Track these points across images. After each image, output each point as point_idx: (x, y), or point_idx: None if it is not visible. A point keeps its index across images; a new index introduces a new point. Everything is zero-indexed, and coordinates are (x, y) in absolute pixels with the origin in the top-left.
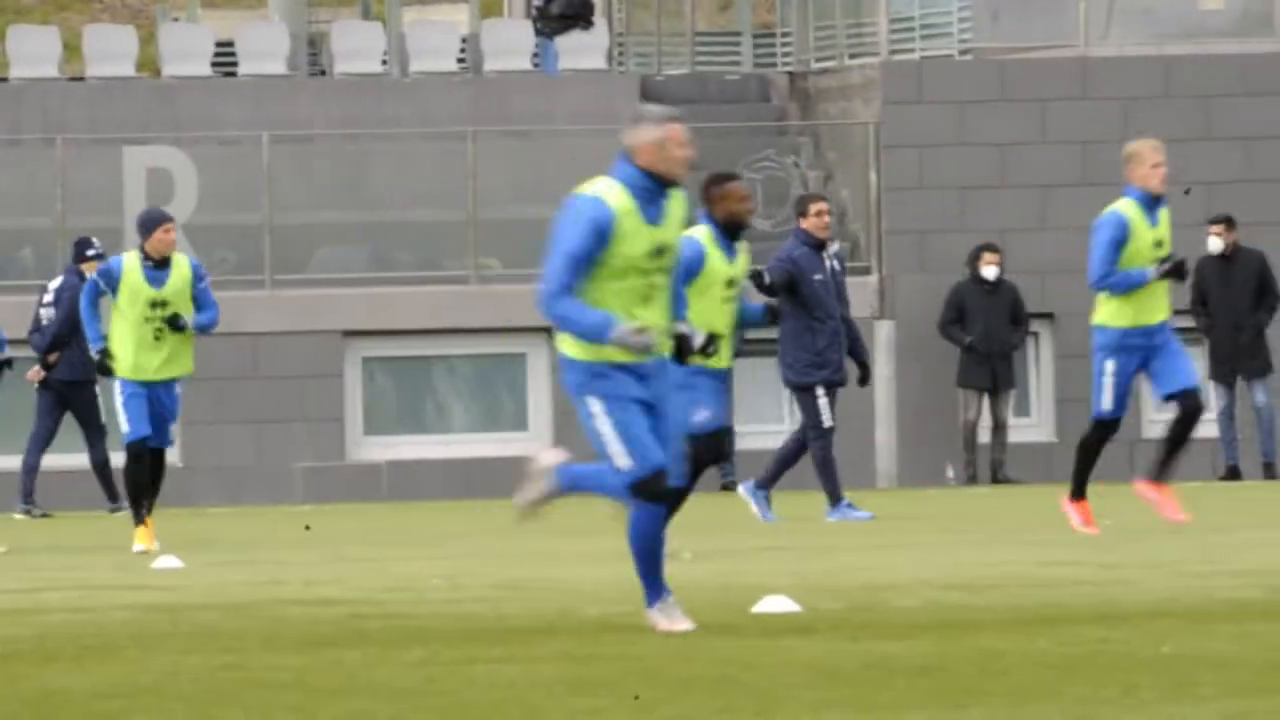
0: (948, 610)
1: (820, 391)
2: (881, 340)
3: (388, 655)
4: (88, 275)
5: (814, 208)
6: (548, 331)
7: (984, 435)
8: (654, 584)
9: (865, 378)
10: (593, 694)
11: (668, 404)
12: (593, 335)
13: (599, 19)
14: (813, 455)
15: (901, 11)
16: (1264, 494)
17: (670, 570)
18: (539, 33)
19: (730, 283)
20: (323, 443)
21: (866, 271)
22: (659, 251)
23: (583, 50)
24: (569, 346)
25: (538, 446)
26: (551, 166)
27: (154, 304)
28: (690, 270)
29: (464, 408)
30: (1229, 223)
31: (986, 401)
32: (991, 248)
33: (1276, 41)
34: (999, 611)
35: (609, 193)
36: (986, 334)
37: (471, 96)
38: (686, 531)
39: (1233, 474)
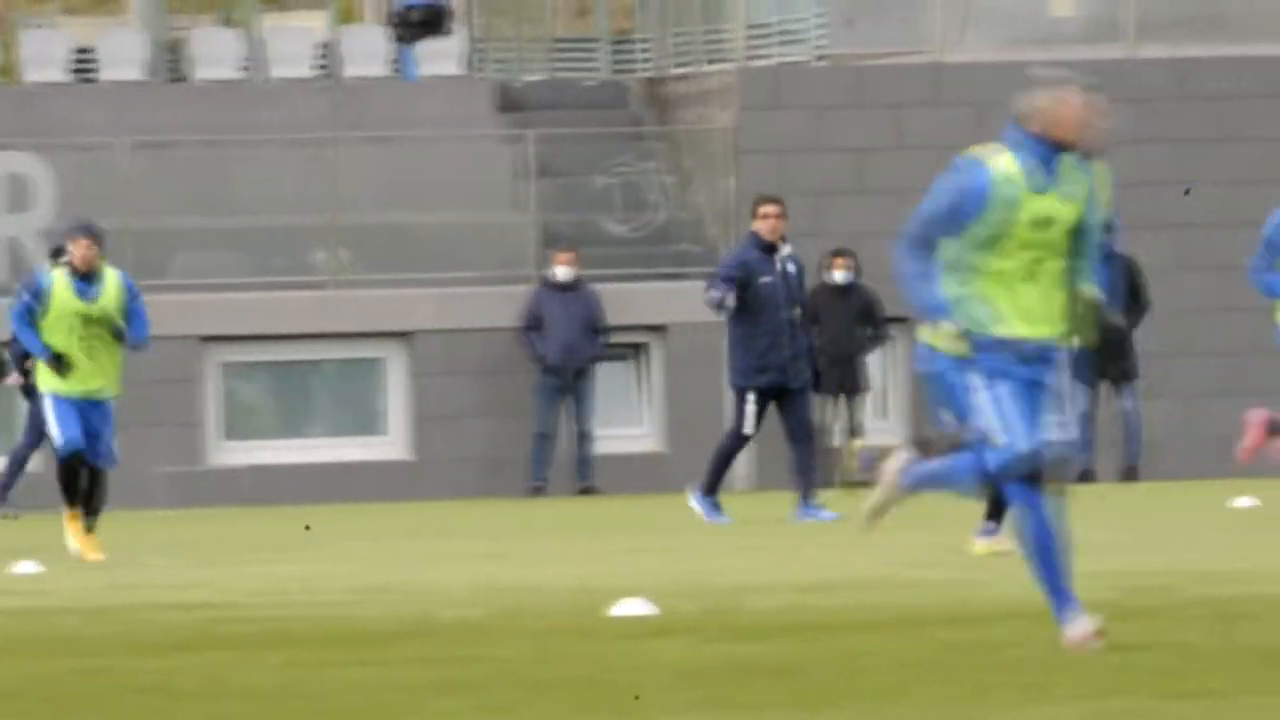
0: (805, 611)
1: (750, 398)
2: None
3: (249, 658)
4: None
5: (763, 210)
6: (406, 336)
7: (836, 438)
8: (1059, 592)
9: (817, 382)
10: (452, 696)
11: (1057, 388)
12: (923, 308)
13: (457, 25)
14: (718, 446)
15: (758, 18)
16: (1118, 497)
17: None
18: (397, 39)
19: None
20: (183, 448)
21: None
22: (1045, 223)
23: (441, 56)
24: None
25: (887, 451)
26: (411, 171)
27: (84, 319)
28: None
29: (324, 412)
30: (1108, 229)
31: (843, 405)
32: (841, 252)
33: (1126, 47)
34: (856, 613)
35: (993, 157)
36: (836, 338)
37: (331, 102)
38: (545, 532)
39: (1085, 476)
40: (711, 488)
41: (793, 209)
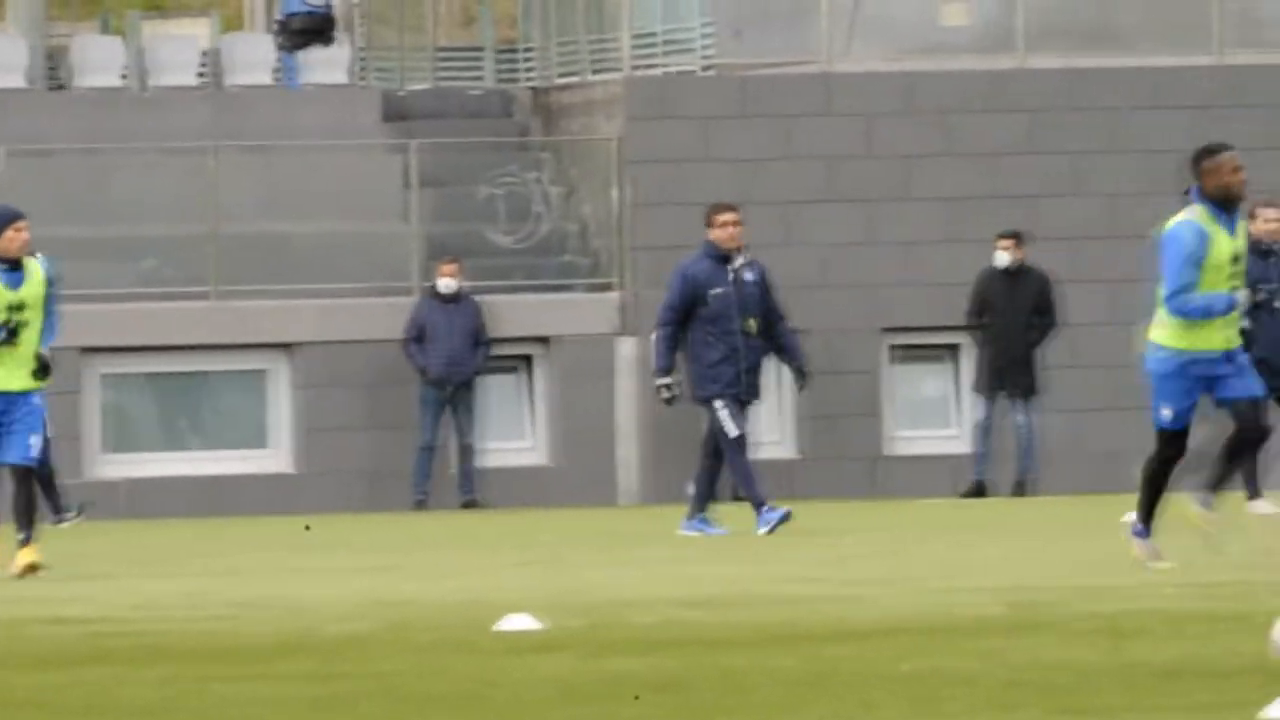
0: (689, 627)
1: (719, 404)
2: (624, 357)
3: (128, 674)
4: None
5: (721, 218)
6: (289, 348)
7: None
8: None
9: (801, 383)
10: (335, 712)
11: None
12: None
13: (341, 33)
14: (730, 466)
15: (645, 27)
16: (1008, 510)
17: (500, 580)
18: (280, 47)
19: (1235, 259)
20: (60, 460)
21: (609, 288)
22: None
23: (325, 65)
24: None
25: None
26: (293, 181)
27: (11, 307)
28: (1197, 254)
29: (206, 424)
30: (1018, 238)
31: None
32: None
33: (1018, 58)
34: (740, 629)
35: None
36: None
37: (213, 111)
38: (430, 546)
39: (978, 490)
40: (702, 506)
41: (678, 221)
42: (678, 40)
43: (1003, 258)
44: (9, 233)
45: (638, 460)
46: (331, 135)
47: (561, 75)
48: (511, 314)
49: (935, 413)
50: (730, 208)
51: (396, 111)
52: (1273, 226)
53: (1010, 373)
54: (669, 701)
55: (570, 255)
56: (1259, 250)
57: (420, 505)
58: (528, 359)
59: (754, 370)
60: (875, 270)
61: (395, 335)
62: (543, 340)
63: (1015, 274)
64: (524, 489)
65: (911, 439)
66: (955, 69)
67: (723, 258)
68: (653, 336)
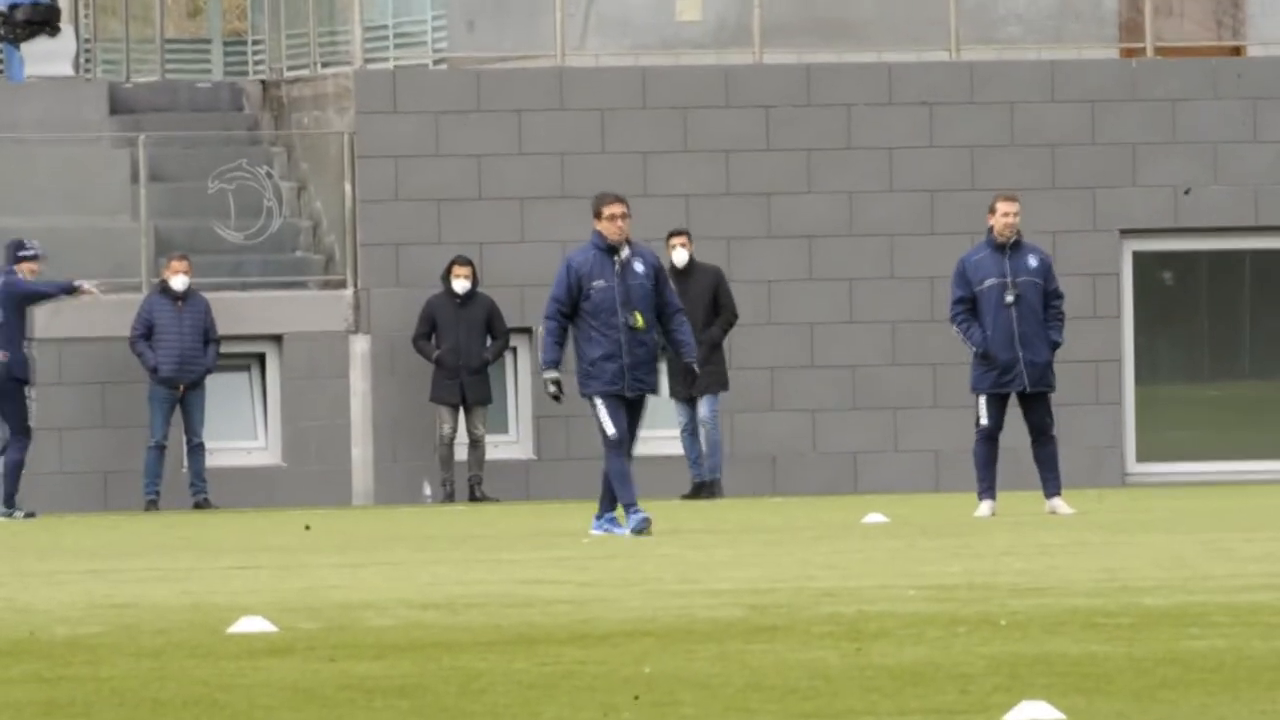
0: (425, 630)
1: (599, 401)
2: (357, 355)
3: None
4: (26, 277)
5: (606, 209)
6: None
7: (461, 452)
8: None
9: (690, 380)
10: (61, 717)
11: None
12: None
13: (65, 24)
14: (606, 464)
15: (375, 20)
16: (737, 511)
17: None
18: (3, 39)
19: None
20: None
21: (342, 285)
22: None
23: (49, 57)
24: None
25: None
26: (17, 175)
27: None
28: None
29: None
30: (688, 234)
31: (462, 417)
32: (463, 260)
33: (753, 54)
34: (477, 631)
35: None
36: (457, 348)
37: None
38: (160, 548)
39: (697, 491)
40: (611, 505)
41: (410, 215)
42: (409, 33)
43: (681, 255)
44: None
45: (372, 460)
46: (57, 128)
47: (291, 68)
48: (242, 311)
49: (664, 414)
50: (618, 199)
51: (124, 104)
52: (1010, 220)
53: (704, 369)
54: (405, 705)
55: (302, 252)
56: (997, 246)
57: (151, 506)
58: (260, 357)
59: (641, 365)
60: None
61: (123, 333)
62: (275, 338)
63: (686, 271)
64: (256, 489)
65: (645, 439)
66: (690, 64)
67: (609, 249)
68: (539, 330)
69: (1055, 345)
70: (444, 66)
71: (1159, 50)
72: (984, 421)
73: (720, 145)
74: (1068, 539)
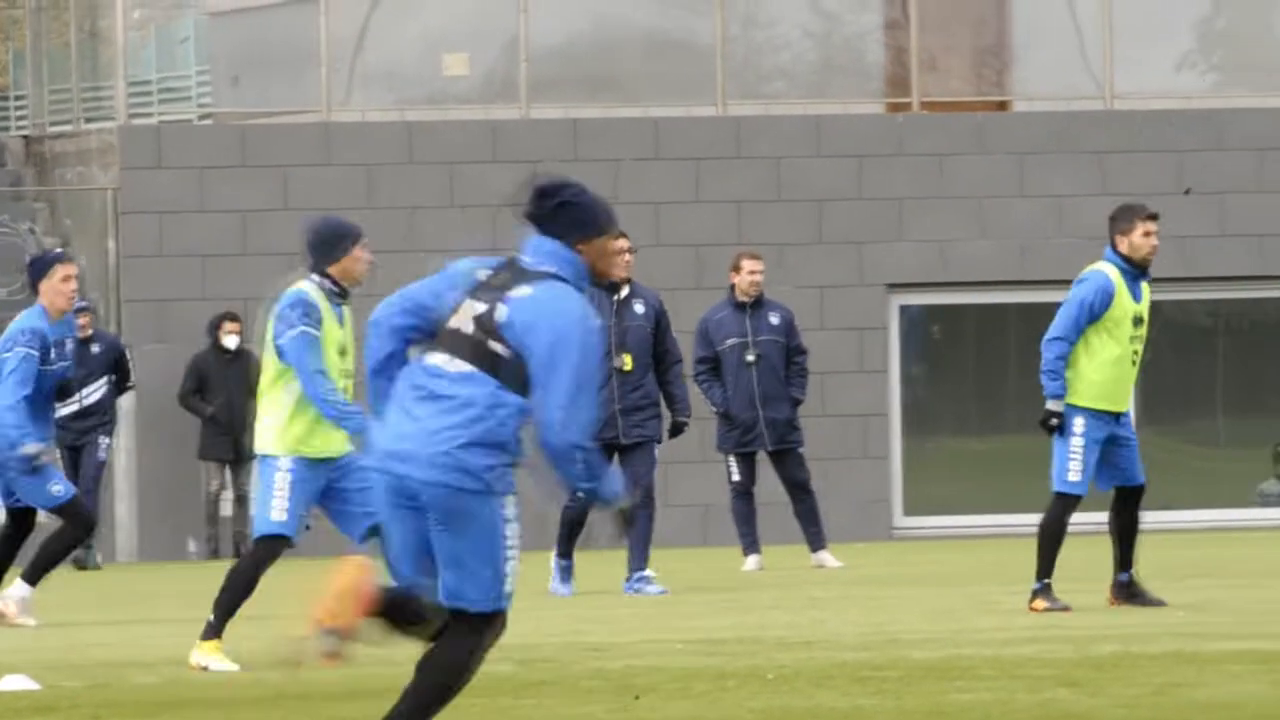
0: (191, 687)
1: None
2: (123, 412)
3: None
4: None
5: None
6: None
7: (227, 508)
8: None
9: (673, 435)
10: None
11: None
12: None
13: None
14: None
15: (139, 75)
16: None
17: None
18: None
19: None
20: None
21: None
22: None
23: None
24: None
25: None
26: None
27: None
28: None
29: None
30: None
31: (229, 473)
32: (232, 316)
33: (520, 108)
34: (241, 687)
35: None
36: (228, 404)
37: None
38: None
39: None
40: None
41: (173, 271)
42: (173, 89)
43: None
44: None
45: (137, 516)
46: None
47: (55, 123)
48: None
49: None
50: (621, 234)
51: None
52: (757, 279)
53: None
54: None
55: None
56: (738, 304)
57: None
58: None
59: (631, 412)
60: None
61: None
62: None
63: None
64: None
65: None
66: (457, 119)
67: (610, 287)
68: None
69: (797, 402)
70: (209, 122)
71: (925, 105)
72: (735, 478)
73: (488, 199)
74: (835, 592)
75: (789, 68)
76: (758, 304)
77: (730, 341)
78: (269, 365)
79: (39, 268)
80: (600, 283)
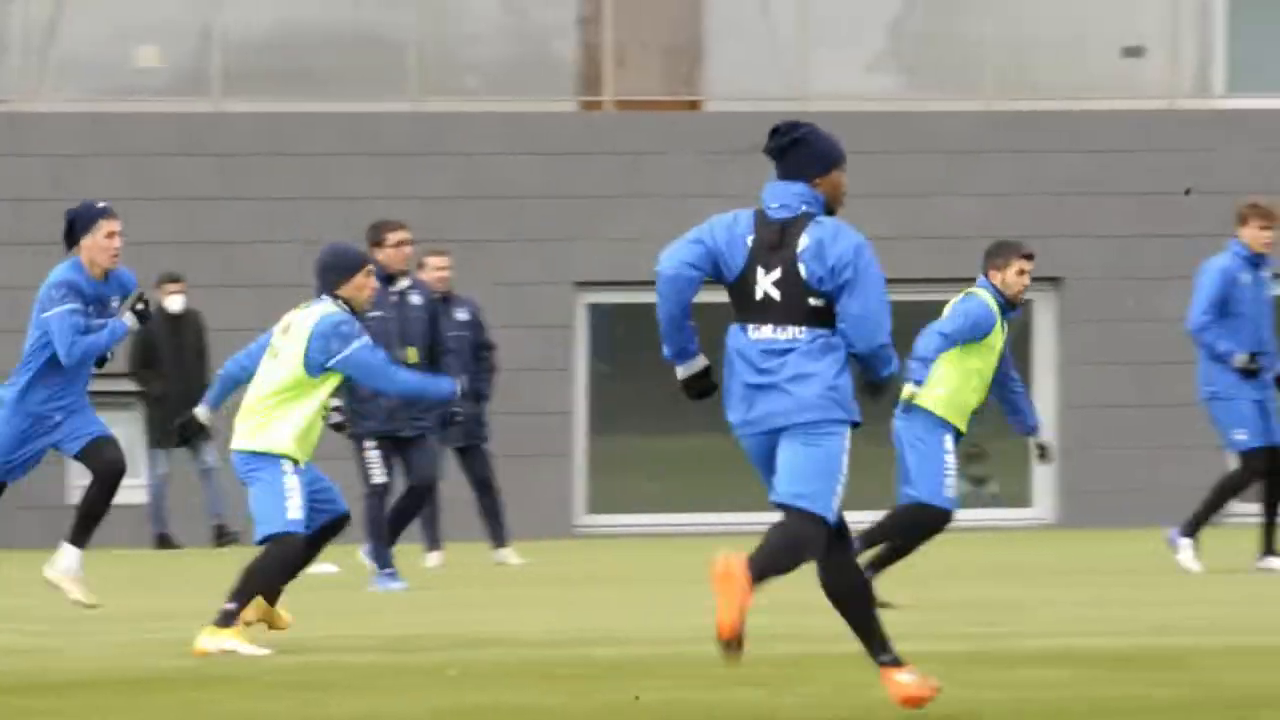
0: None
1: (368, 444)
2: None
3: None
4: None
5: (391, 236)
6: None
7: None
8: None
9: (444, 432)
10: None
11: None
12: None
13: None
14: (364, 512)
15: None
16: (191, 560)
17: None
18: None
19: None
20: None
21: None
22: None
23: None
24: None
25: None
26: None
27: None
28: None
29: None
30: (182, 280)
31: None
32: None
33: (211, 102)
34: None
35: None
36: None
37: None
38: None
39: (164, 542)
40: (379, 552)
41: None
42: None
43: (175, 301)
44: None
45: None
46: None
47: None
48: None
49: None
50: (400, 225)
51: None
52: (444, 274)
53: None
54: None
55: None
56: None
57: None
58: None
59: (411, 405)
60: None
61: None
62: None
63: (181, 318)
64: None
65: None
66: (149, 111)
67: (387, 279)
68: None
69: (482, 398)
70: None
71: (619, 104)
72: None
73: (178, 193)
74: (517, 590)
75: (483, 64)
76: (446, 299)
77: None
78: (288, 375)
79: (84, 221)
80: (832, 211)
